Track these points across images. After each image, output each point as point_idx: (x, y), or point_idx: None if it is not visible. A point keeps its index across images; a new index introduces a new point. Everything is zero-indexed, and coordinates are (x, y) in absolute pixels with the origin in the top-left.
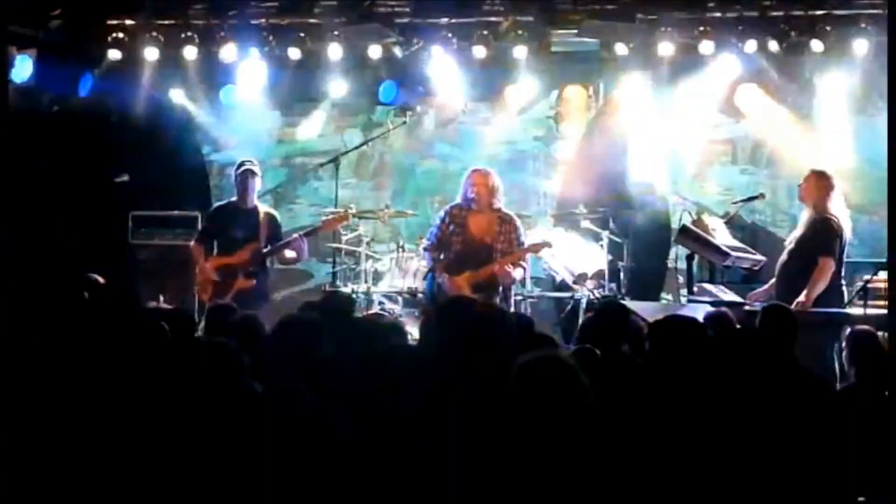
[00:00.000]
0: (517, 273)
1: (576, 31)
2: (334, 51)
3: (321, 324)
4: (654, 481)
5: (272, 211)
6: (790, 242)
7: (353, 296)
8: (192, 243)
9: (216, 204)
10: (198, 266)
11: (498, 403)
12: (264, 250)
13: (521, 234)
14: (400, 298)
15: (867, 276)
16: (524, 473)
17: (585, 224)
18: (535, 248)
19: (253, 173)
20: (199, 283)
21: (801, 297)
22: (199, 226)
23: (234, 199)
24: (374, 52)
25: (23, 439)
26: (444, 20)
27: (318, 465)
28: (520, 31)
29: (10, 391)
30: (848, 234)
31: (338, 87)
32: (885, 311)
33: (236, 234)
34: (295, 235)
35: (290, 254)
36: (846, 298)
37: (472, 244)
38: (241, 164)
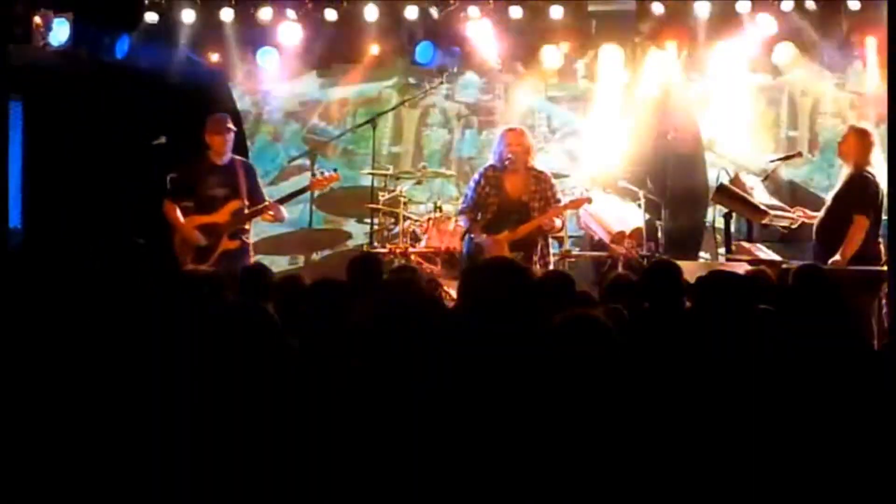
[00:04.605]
0: (557, 223)
1: None
2: (370, 11)
3: (351, 288)
4: (687, 441)
5: (248, 161)
6: (829, 200)
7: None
8: (165, 201)
9: (189, 159)
10: (176, 226)
11: (535, 362)
12: (245, 211)
13: (557, 192)
14: (438, 259)
15: None
16: (559, 433)
17: (623, 183)
18: (577, 203)
19: (229, 129)
20: (177, 245)
21: (837, 256)
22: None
23: (207, 152)
24: (411, 12)
25: (62, 395)
26: None
27: (350, 424)
28: None
29: (48, 355)
30: (886, 190)
31: (374, 47)
32: None
33: (216, 192)
34: (268, 202)
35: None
36: (884, 256)
37: (508, 204)
38: (218, 118)
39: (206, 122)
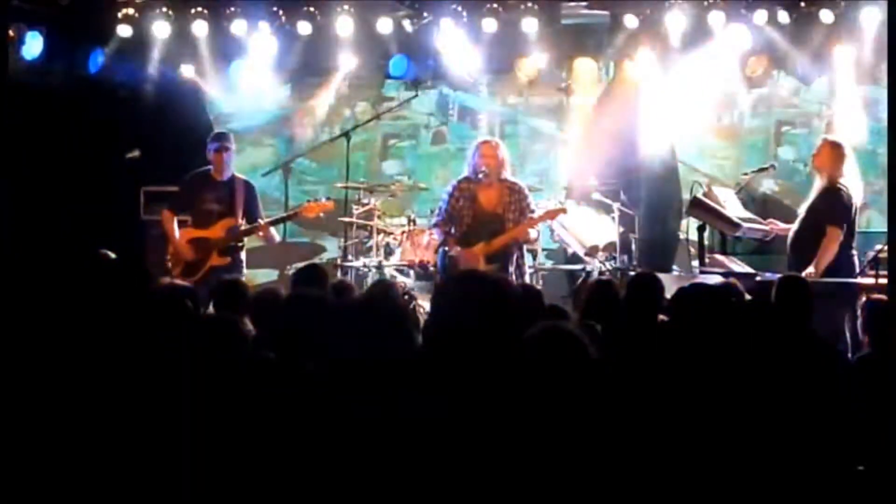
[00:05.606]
0: (532, 234)
1: (585, 2)
2: (344, 25)
3: (328, 300)
4: (663, 453)
5: (249, 180)
6: (802, 212)
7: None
8: (164, 211)
9: (191, 172)
10: (170, 236)
11: (509, 375)
12: (240, 229)
13: (531, 203)
14: (412, 272)
15: (878, 246)
16: (532, 445)
17: (597, 196)
18: (552, 213)
19: (227, 148)
20: (170, 256)
21: (811, 268)
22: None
23: (209, 168)
24: (384, 25)
25: (37, 413)
26: None
27: (325, 436)
28: (529, 4)
29: (22, 369)
30: (858, 202)
31: (348, 61)
32: None
33: (212, 208)
34: (260, 223)
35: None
36: (857, 268)
37: (483, 216)
38: (218, 136)
39: (208, 139)
